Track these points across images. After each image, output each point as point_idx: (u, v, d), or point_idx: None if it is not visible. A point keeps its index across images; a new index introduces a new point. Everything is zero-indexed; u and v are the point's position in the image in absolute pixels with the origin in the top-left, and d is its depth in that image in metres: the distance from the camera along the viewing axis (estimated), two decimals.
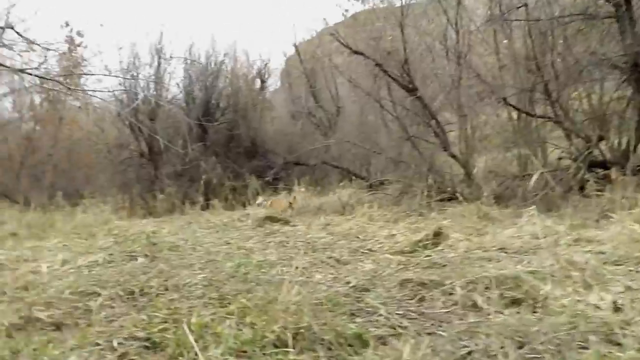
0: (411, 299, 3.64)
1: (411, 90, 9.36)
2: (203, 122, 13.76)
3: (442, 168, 10.11)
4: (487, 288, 3.59)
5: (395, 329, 3.03)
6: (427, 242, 5.54)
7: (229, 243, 6.59)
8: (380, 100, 10.80)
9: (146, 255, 5.64)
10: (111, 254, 5.64)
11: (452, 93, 9.84)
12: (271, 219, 8.43)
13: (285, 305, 2.97)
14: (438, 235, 5.69)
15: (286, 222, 8.28)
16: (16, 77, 12.92)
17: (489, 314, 3.23)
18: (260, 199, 11.41)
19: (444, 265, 4.55)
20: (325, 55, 15.74)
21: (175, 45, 18.51)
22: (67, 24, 14.91)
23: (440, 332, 2.97)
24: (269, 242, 6.57)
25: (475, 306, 3.40)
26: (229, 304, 3.44)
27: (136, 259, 5.45)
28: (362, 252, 5.61)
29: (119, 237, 7.09)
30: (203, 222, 9.34)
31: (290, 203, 9.65)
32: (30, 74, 6.83)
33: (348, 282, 4.12)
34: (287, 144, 15.32)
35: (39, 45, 6.47)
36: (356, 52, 9.52)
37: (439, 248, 5.40)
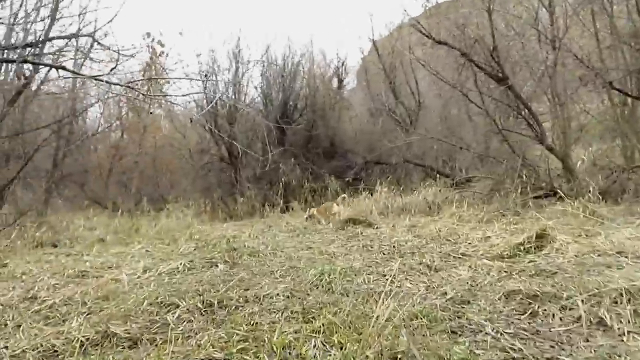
0: (521, 314, 3.13)
1: (501, 79, 8.64)
2: (281, 124, 13.67)
3: (536, 162, 9.31)
4: (615, 302, 3.00)
5: (507, 352, 2.55)
6: (529, 245, 4.92)
7: (310, 247, 6.30)
8: (466, 92, 10.09)
9: (226, 262, 5.46)
10: (191, 261, 5.49)
11: (545, 80, 9.03)
12: (353, 221, 8.05)
13: (378, 325, 2.56)
14: (541, 237, 5.03)
15: (369, 224, 7.87)
16: (102, 88, 13.36)
17: (621, 335, 2.67)
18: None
19: (554, 273, 3.93)
20: (404, 49, 15.18)
21: (252, 48, 18.58)
22: (149, 35, 15.33)
23: (564, 358, 2.46)
24: (352, 246, 6.20)
25: (602, 324, 2.84)
26: (314, 318, 3.11)
27: (217, 266, 5.27)
28: (455, 257, 5.08)
29: (200, 242, 7.01)
30: (283, 225, 9.14)
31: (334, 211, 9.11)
32: (114, 83, 6.78)
33: (444, 293, 3.67)
34: (367, 143, 14.90)
35: (118, 52, 6.35)
36: (439, 42, 8.92)
37: (544, 252, 4.75)
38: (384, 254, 5.51)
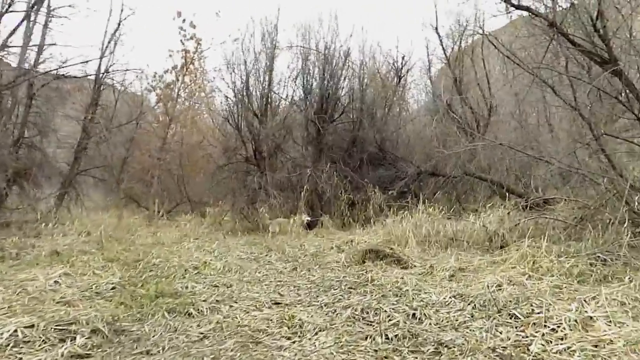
0: None
1: (605, 62, 5.92)
2: (317, 121, 11.43)
3: None
4: None
5: None
6: None
7: (277, 303, 3.93)
8: (552, 82, 7.38)
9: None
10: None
11: None
12: (376, 254, 5.62)
13: None
14: None
15: (397, 261, 5.40)
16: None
17: None
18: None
19: None
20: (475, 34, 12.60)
21: (291, 32, 16.31)
22: (180, 15, 13.53)
23: None
24: (340, 312, 3.74)
25: None
26: None
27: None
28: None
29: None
30: (297, 250, 6.86)
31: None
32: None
33: None
34: (423, 151, 12.35)
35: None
36: (518, 7, 6.31)
37: None
38: (389, 342, 3.03)
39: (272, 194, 10.88)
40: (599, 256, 4.89)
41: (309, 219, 9.64)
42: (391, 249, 5.71)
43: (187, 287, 4.35)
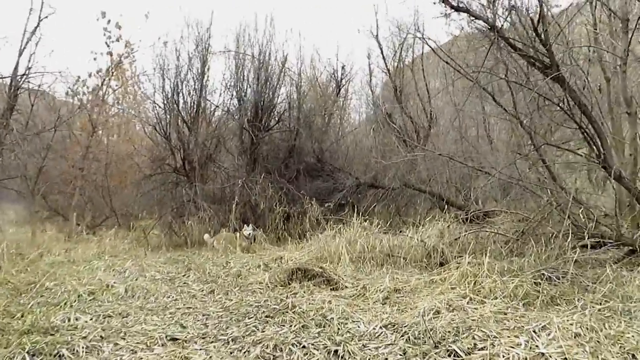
0: None
1: (547, 67, 5.61)
2: (249, 130, 10.78)
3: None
4: None
5: None
6: None
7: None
8: (492, 92, 7.08)
9: None
10: None
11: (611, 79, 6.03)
12: (304, 273, 5.00)
13: None
14: None
15: (327, 281, 4.82)
16: None
17: None
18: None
19: None
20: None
21: (225, 36, 15.53)
22: (104, 15, 12.56)
23: None
24: (253, 346, 3.09)
25: None
26: None
27: None
28: None
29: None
30: (202, 269, 6.11)
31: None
32: None
33: None
34: (363, 162, 11.93)
35: None
36: (457, 9, 5.94)
37: None
38: None
39: (201, 207, 10.09)
40: (543, 274, 4.48)
41: (251, 232, 8.93)
42: (321, 267, 5.11)
43: (69, 320, 3.58)
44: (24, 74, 11.09)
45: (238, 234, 8.81)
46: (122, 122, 14.41)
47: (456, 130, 12.73)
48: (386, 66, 13.18)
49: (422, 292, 4.25)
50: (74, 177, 12.69)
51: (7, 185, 12.16)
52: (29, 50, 10.80)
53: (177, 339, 3.19)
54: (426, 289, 4.35)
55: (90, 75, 13.08)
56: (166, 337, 3.23)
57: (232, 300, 4.37)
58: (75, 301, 4.26)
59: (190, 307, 4.15)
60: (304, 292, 4.41)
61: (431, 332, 3.00)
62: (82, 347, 2.99)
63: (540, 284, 4.18)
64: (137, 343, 3.11)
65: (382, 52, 13.28)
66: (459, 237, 6.65)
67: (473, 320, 3.24)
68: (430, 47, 7.35)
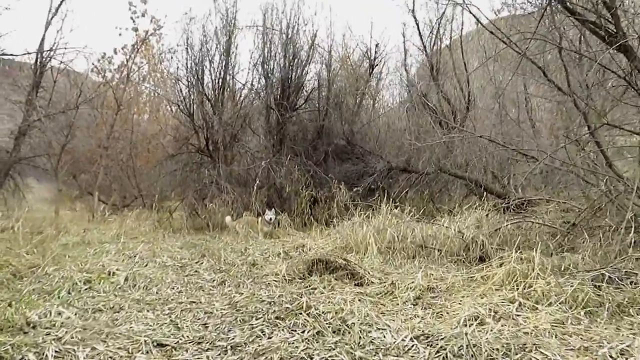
0: None
1: (611, 35, 4.86)
2: (275, 109, 10.25)
3: None
4: None
5: None
6: None
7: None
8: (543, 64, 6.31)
9: None
10: None
11: None
12: (325, 265, 4.45)
13: None
14: None
15: (350, 275, 4.25)
16: None
17: None
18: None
19: None
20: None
21: (254, 13, 14.89)
22: None
23: None
24: (258, 356, 2.56)
25: None
26: None
27: None
28: None
29: None
30: (216, 256, 5.61)
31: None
32: None
33: None
34: (395, 145, 11.24)
35: None
36: None
37: None
38: None
39: (224, 189, 9.63)
40: (603, 274, 3.80)
41: (272, 217, 8.46)
42: (345, 259, 4.54)
43: (50, 314, 3.12)
44: (50, 50, 10.83)
45: (259, 219, 8.35)
46: (147, 100, 14.06)
47: (495, 113, 11.97)
48: (422, 43, 12.38)
49: (460, 293, 3.64)
50: (99, 156, 12.46)
51: (36, 163, 12.01)
52: (54, 28, 10.54)
53: (165, 345, 2.68)
54: (465, 289, 3.73)
55: (115, 52, 12.76)
56: (153, 342, 2.72)
57: (242, 294, 3.85)
58: (69, 290, 3.82)
59: (193, 302, 3.64)
60: (324, 288, 3.85)
61: (474, 349, 2.41)
62: (52, 352, 2.51)
63: (601, 287, 3.52)
64: (118, 348, 2.61)
65: (418, 28, 12.40)
66: (499, 228, 5.97)
67: (526, 333, 2.63)
68: (472, 14, 6.57)
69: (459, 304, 3.33)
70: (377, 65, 13.55)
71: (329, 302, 3.38)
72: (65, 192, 13.98)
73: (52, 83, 11.32)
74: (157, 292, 3.95)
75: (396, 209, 6.91)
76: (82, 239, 7.41)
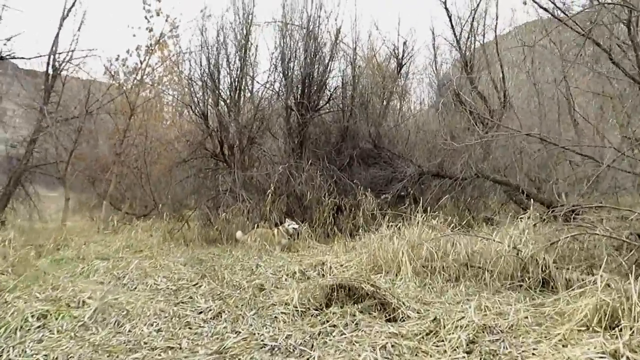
0: None
1: None
2: (295, 109, 9.41)
3: None
4: None
5: None
6: None
7: None
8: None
9: None
10: None
11: None
12: (348, 292, 3.52)
13: None
14: None
15: (381, 305, 3.33)
16: None
17: None
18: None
19: None
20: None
21: (273, 11, 14.11)
22: None
23: None
24: None
25: None
26: None
27: None
28: None
29: None
30: (219, 277, 4.72)
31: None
32: None
33: None
34: (426, 147, 10.29)
35: None
36: None
37: None
38: None
39: (240, 197, 8.79)
40: None
41: (295, 227, 7.63)
42: (373, 285, 3.60)
43: None
44: (62, 52, 10.25)
45: (276, 230, 7.49)
46: (162, 103, 13.40)
47: (534, 112, 11.00)
48: (455, 37, 11.40)
49: (529, 335, 2.67)
50: (112, 163, 11.80)
51: (47, 170, 11.45)
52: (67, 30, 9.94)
53: None
54: (535, 330, 2.76)
55: (129, 54, 12.10)
56: None
57: (238, 333, 2.95)
58: (16, 328, 2.98)
59: (171, 347, 2.76)
60: (345, 326, 2.93)
61: None
62: None
63: None
64: None
65: (450, 21, 11.45)
66: (556, 241, 4.95)
67: None
68: None
69: (533, 354, 2.38)
70: (405, 64, 12.68)
71: (350, 350, 2.44)
72: (83, 201, 13.47)
73: (64, 87, 10.74)
74: (128, 332, 3.07)
75: (434, 219, 5.90)
76: (77, 254, 6.67)
